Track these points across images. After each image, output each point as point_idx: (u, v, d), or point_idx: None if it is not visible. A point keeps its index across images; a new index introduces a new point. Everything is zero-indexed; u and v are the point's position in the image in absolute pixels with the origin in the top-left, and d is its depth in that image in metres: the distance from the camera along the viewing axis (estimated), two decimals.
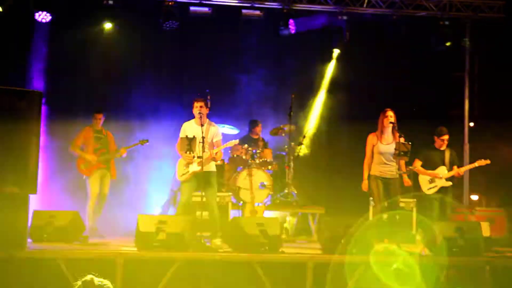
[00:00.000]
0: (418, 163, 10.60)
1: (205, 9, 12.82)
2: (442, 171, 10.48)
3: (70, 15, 12.16)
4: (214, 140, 9.45)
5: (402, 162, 9.53)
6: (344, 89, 13.58)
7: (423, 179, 10.58)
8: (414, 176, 11.12)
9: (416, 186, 10.88)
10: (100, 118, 10.99)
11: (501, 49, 13.16)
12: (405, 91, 13.42)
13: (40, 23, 11.95)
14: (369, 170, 9.50)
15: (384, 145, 9.42)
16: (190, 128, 9.41)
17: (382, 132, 9.48)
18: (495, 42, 13.25)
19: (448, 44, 13.22)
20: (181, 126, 9.58)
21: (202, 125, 9.15)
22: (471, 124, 13.77)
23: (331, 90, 13.75)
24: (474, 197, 13.80)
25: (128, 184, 12.18)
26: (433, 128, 11.07)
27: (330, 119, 13.74)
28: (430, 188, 10.50)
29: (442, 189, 10.48)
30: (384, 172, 9.41)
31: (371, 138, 9.53)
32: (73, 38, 12.10)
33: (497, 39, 13.17)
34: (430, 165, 10.55)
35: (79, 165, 10.80)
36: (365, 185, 9.49)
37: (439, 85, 13.67)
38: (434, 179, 10.46)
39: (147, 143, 11.29)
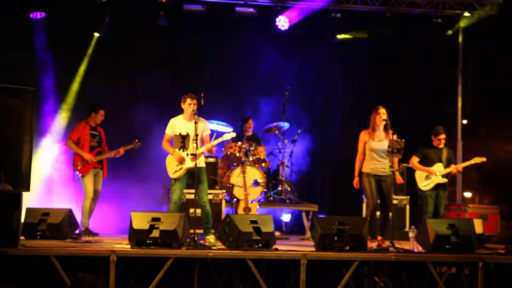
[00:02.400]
0: (415, 159, 10.62)
1: (199, 6, 12.82)
2: (439, 168, 10.50)
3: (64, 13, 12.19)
4: (203, 135, 9.40)
5: (395, 159, 9.55)
6: (337, 86, 13.60)
7: (419, 175, 10.60)
8: (410, 172, 11.14)
9: (412, 182, 10.91)
10: (103, 115, 10.92)
11: (494, 47, 13.19)
12: (398, 88, 13.45)
13: (36, 20, 12.02)
14: (361, 167, 9.51)
15: (376, 142, 9.42)
16: (178, 124, 9.37)
17: (374, 129, 9.47)
18: (488, 40, 13.28)
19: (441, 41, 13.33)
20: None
21: (196, 122, 9.13)
22: (464, 121, 13.80)
23: (324, 86, 13.76)
24: (468, 194, 13.84)
25: (121, 182, 12.15)
26: (426, 125, 11.10)
27: (324, 115, 13.75)
28: (426, 185, 10.51)
29: (438, 186, 10.50)
30: (376, 169, 9.42)
31: (363, 135, 9.53)
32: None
33: (490, 37, 13.19)
34: (427, 162, 10.58)
35: (75, 163, 10.68)
36: (356, 182, 9.50)
37: (432, 82, 13.69)
38: (430, 176, 10.48)
39: (140, 146, 11.20)
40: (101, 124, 10.99)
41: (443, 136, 10.64)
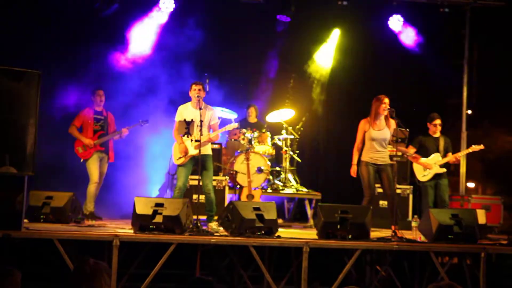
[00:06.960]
0: (411, 150, 10.53)
1: None
2: (436, 157, 10.45)
3: None
4: (211, 123, 9.45)
5: (402, 148, 9.51)
6: (341, 74, 13.57)
7: (417, 166, 10.57)
8: (409, 163, 11.12)
9: (411, 173, 10.88)
10: (102, 95, 10.81)
11: (500, 37, 13.14)
12: (402, 79, 13.42)
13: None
14: (359, 155, 9.49)
15: (376, 131, 9.40)
16: (186, 111, 9.39)
17: (375, 118, 9.44)
18: (494, 30, 13.23)
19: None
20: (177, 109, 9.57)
21: (200, 109, 9.13)
22: (469, 111, 13.77)
23: (329, 75, 13.74)
24: (471, 185, 13.83)
25: (125, 167, 12.17)
26: None
27: (327, 104, 13.73)
28: (425, 175, 10.48)
29: (437, 176, 10.46)
30: (375, 158, 9.40)
31: (363, 124, 9.50)
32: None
33: (497, 27, 13.15)
34: (424, 151, 10.51)
35: (76, 148, 10.68)
36: (353, 170, 9.48)
37: (438, 72, 13.65)
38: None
39: (147, 124, 11.17)
40: (106, 107, 10.98)
41: (438, 121, 10.53)
